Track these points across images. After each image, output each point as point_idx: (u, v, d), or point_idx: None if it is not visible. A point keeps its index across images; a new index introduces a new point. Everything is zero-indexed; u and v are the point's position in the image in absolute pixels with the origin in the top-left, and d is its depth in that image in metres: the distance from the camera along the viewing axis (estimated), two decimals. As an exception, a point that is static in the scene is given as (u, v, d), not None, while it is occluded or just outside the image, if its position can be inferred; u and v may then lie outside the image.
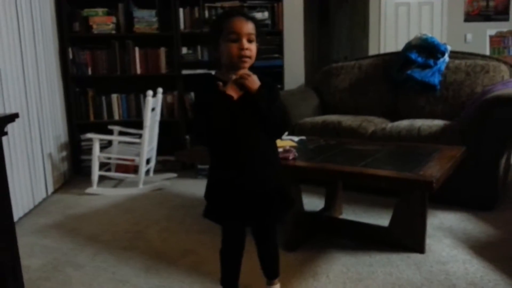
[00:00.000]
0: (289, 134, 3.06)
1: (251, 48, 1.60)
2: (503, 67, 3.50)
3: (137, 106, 4.55)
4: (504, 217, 2.81)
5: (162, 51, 4.47)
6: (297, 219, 2.45)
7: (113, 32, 4.36)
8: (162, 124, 4.30)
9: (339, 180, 2.87)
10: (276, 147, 1.79)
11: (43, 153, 3.63)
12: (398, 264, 2.23)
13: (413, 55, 3.79)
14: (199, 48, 4.53)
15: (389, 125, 3.33)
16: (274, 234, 1.84)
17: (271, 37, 4.44)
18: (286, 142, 2.78)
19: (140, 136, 3.89)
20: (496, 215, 2.85)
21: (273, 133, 1.72)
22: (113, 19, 4.34)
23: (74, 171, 4.43)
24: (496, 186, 2.92)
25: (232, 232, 1.76)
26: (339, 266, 2.23)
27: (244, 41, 1.58)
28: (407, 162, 2.21)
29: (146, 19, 4.35)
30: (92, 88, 4.51)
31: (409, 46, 3.92)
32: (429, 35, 3.92)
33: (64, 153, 4.18)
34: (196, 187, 3.84)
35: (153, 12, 4.36)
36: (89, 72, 4.42)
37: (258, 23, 1.66)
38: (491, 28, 5.87)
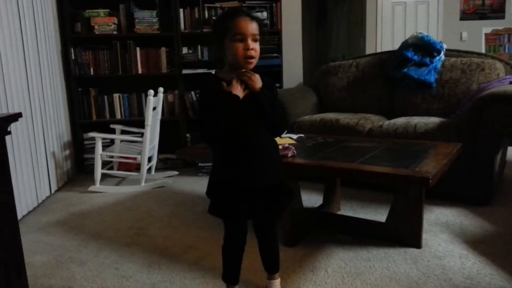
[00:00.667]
0: (288, 132, 3.09)
1: (256, 48, 1.62)
2: (499, 65, 3.53)
3: (138, 105, 4.59)
4: (500, 212, 2.85)
5: (163, 51, 4.50)
6: (296, 215, 2.48)
7: (115, 32, 4.40)
8: (163, 123, 4.35)
9: (337, 177, 2.90)
10: (276, 144, 1.82)
11: (46, 152, 3.68)
12: (395, 259, 2.26)
13: (410, 54, 3.83)
14: (199, 48, 4.57)
15: (386, 123, 3.37)
16: (275, 230, 1.88)
17: (269, 36, 4.47)
18: (285, 139, 2.82)
19: (141, 134, 3.92)
20: (491, 211, 2.88)
21: (275, 131, 1.76)
22: (115, 19, 4.38)
23: (77, 169, 4.47)
24: (492, 181, 2.95)
25: (235, 228, 1.78)
26: (337, 261, 2.26)
27: (250, 41, 1.59)
28: (404, 159, 2.22)
29: (147, 20, 4.39)
30: (94, 88, 4.56)
31: (406, 45, 3.95)
32: (425, 33, 3.94)
33: (67, 152, 4.22)
34: (197, 185, 3.88)
35: (154, 12, 4.40)
36: (91, 72, 4.46)
37: (261, 23, 1.67)
38: (487, 26, 5.90)
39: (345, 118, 3.59)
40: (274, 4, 4.53)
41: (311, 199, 3.24)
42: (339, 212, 3.00)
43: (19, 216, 2.96)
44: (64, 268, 2.31)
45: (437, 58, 3.72)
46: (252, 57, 1.61)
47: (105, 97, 4.53)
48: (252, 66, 1.64)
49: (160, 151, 4.39)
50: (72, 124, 4.45)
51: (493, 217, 2.77)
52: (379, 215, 2.88)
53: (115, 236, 2.74)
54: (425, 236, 2.49)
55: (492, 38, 5.90)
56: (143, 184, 3.85)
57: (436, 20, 5.79)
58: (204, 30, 4.46)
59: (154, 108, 3.90)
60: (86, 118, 4.52)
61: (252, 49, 1.60)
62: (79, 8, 4.35)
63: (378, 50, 5.61)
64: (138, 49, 4.47)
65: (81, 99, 4.49)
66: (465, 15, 5.90)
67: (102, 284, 2.12)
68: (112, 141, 4.35)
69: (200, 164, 4.23)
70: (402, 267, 2.17)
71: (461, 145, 2.53)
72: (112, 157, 4.03)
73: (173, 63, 4.51)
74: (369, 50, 5.79)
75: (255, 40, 1.62)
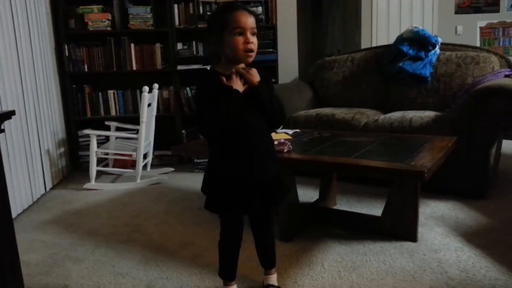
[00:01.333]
0: (283, 127, 3.09)
1: (255, 42, 1.62)
2: (493, 58, 3.54)
3: (133, 101, 4.57)
4: (495, 205, 2.86)
5: (158, 47, 4.49)
6: (292, 210, 2.49)
7: (109, 28, 4.38)
8: (159, 119, 4.34)
9: (333, 172, 2.91)
10: (272, 139, 1.82)
11: (41, 149, 3.66)
12: (391, 252, 2.27)
13: (405, 48, 3.83)
14: (194, 43, 4.56)
15: (382, 117, 3.37)
16: (271, 225, 1.88)
17: (264, 32, 4.46)
18: (281, 135, 2.82)
19: (137, 131, 3.92)
20: (487, 204, 2.89)
21: (273, 124, 1.77)
22: (108, 15, 4.36)
23: (72, 166, 4.46)
24: (487, 175, 2.97)
25: (232, 223, 1.78)
26: (333, 255, 2.27)
27: (249, 34, 1.59)
28: (399, 153, 2.23)
29: (141, 16, 4.37)
30: (89, 84, 4.54)
31: (401, 39, 3.96)
32: (420, 27, 3.95)
33: (62, 149, 4.20)
34: (193, 181, 3.88)
35: (148, 8, 4.38)
36: (85, 68, 4.44)
37: (258, 17, 1.68)
38: (482, 20, 5.91)
39: (340, 112, 3.59)
40: (269, -1, 4.52)
41: (307, 194, 3.24)
42: (335, 207, 3.00)
43: (13, 215, 2.95)
44: (60, 266, 2.31)
45: (432, 52, 3.73)
46: (251, 51, 1.61)
47: (100, 93, 4.52)
48: (251, 59, 1.64)
49: (156, 147, 4.39)
50: (67, 121, 4.44)
51: (488, 210, 2.78)
52: (375, 209, 2.89)
53: (111, 233, 2.74)
54: (420, 229, 2.50)
55: (487, 32, 5.91)
56: (138, 181, 3.84)
57: (431, 14, 5.79)
58: (199, 26, 4.44)
59: (149, 105, 3.89)
60: (81, 115, 4.50)
61: (252, 42, 1.59)
62: (72, 4, 4.34)
63: (374, 45, 5.59)
64: (132, 45, 4.46)
65: (75, 96, 4.47)
66: (460, 9, 5.91)
67: (99, 281, 2.12)
68: (107, 138, 4.34)
69: (196, 160, 4.23)
70: (398, 260, 2.18)
71: (456, 139, 2.54)
72: (107, 154, 4.02)
73: (168, 59, 4.50)
74: (365, 44, 5.78)
75: (253, 34, 1.61)
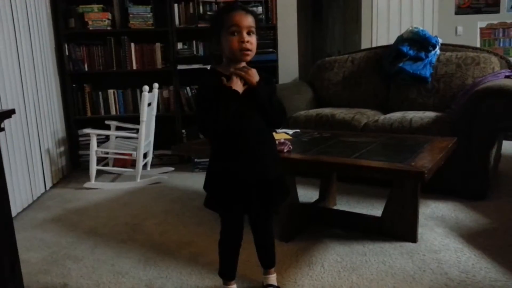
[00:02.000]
0: (283, 127, 3.09)
1: (252, 41, 1.63)
2: (494, 59, 3.54)
3: (133, 101, 4.57)
4: (495, 206, 2.86)
5: (158, 46, 4.49)
6: (292, 210, 2.48)
7: (109, 28, 4.38)
8: (159, 119, 4.34)
9: (333, 172, 2.91)
10: (274, 138, 1.83)
11: (41, 148, 3.66)
12: (391, 253, 2.27)
13: (405, 48, 3.83)
14: (194, 43, 4.56)
15: (382, 117, 3.37)
16: (271, 224, 1.88)
17: (265, 31, 4.46)
18: (281, 135, 2.82)
19: (137, 131, 3.92)
20: (487, 204, 2.89)
21: (273, 124, 1.77)
22: (109, 15, 4.36)
23: (72, 166, 4.46)
24: (487, 175, 2.96)
25: (232, 222, 1.79)
26: (333, 255, 2.27)
27: (244, 34, 1.60)
28: (399, 153, 2.22)
29: (141, 15, 4.37)
30: (89, 84, 4.54)
31: (401, 39, 3.96)
32: (421, 28, 3.94)
33: (62, 148, 4.20)
34: (193, 181, 3.88)
35: (148, 8, 4.38)
36: (86, 68, 4.44)
37: (257, 17, 1.68)
38: (482, 21, 5.91)
39: (340, 113, 3.59)
40: (269, -1, 4.52)
41: (307, 194, 3.24)
42: (335, 207, 3.00)
43: (13, 213, 2.95)
44: (60, 265, 2.31)
45: (433, 52, 3.73)
46: (248, 50, 1.62)
47: (100, 93, 4.52)
48: (248, 58, 1.65)
49: (156, 147, 4.38)
50: (67, 120, 4.43)
51: (488, 211, 2.78)
52: (375, 209, 2.89)
53: (110, 233, 2.74)
54: (420, 230, 2.50)
55: (487, 33, 5.91)
56: (138, 180, 3.84)
57: (431, 14, 5.79)
58: (199, 25, 4.44)
59: (149, 104, 3.89)
60: (81, 114, 4.50)
61: (247, 41, 1.61)
62: (72, 3, 4.33)
63: (374, 45, 5.59)
64: (132, 44, 4.46)
65: (75, 95, 4.47)
66: (460, 10, 5.91)
67: (98, 280, 2.12)
68: (107, 137, 4.34)
69: (196, 160, 4.23)
70: (398, 261, 2.18)
71: (456, 140, 2.54)
72: (107, 153, 4.02)
73: (168, 58, 4.49)
74: (365, 45, 5.78)
75: (250, 33, 1.62)
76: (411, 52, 3.79)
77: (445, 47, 3.84)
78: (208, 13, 4.44)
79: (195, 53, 4.55)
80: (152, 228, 2.79)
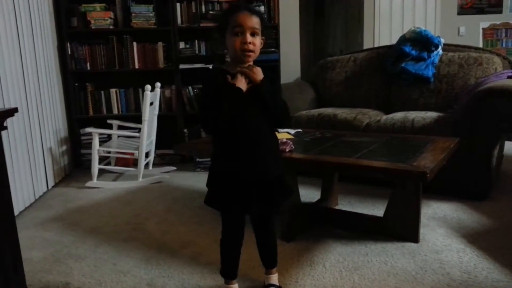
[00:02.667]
0: (285, 127, 3.09)
1: (255, 42, 1.63)
2: (496, 59, 3.53)
3: (135, 100, 4.58)
4: (497, 207, 2.85)
5: (160, 45, 4.49)
6: (294, 210, 2.48)
7: (111, 27, 4.38)
8: (161, 118, 4.34)
9: (335, 172, 2.91)
10: (276, 138, 1.83)
11: (43, 147, 3.66)
12: (393, 253, 2.27)
13: (407, 48, 3.83)
14: (196, 42, 4.56)
15: (384, 117, 3.37)
16: (273, 224, 1.88)
17: (267, 31, 4.45)
18: (283, 134, 2.82)
19: (139, 130, 3.92)
20: (489, 205, 2.89)
21: (276, 123, 1.77)
22: (111, 14, 4.36)
23: (74, 165, 4.46)
24: (489, 176, 2.96)
25: (233, 221, 1.79)
26: (335, 255, 2.27)
27: (248, 35, 1.61)
28: (402, 154, 2.23)
29: (143, 14, 4.37)
30: (91, 83, 4.54)
31: (403, 39, 3.95)
32: (423, 28, 3.94)
33: (64, 147, 4.21)
34: (195, 180, 3.88)
35: (151, 7, 4.38)
36: (88, 67, 4.45)
37: (263, 17, 1.69)
38: (484, 21, 5.90)
39: (342, 113, 3.59)
40: (271, -1, 4.51)
41: (309, 194, 3.24)
42: (336, 207, 3.00)
43: (16, 212, 2.95)
44: (62, 264, 2.31)
45: (435, 52, 3.72)
46: (249, 51, 1.62)
47: (102, 92, 4.52)
48: (250, 59, 1.66)
49: (158, 146, 4.39)
50: (69, 119, 4.44)
51: (490, 212, 2.77)
52: (377, 209, 2.89)
53: (112, 232, 2.74)
54: (422, 230, 2.50)
55: (490, 33, 5.90)
56: (140, 179, 3.85)
57: (434, 14, 5.78)
58: (201, 25, 4.44)
59: (151, 103, 3.89)
60: (83, 113, 4.51)
61: (250, 43, 1.61)
62: (75, 2, 4.34)
63: (376, 45, 5.58)
64: (134, 43, 4.46)
65: (77, 94, 4.47)
66: (463, 10, 5.90)
67: (100, 279, 2.12)
68: (109, 137, 4.34)
69: (197, 159, 4.23)
70: (400, 261, 2.17)
71: (459, 140, 2.54)
72: (109, 152, 4.02)
73: (170, 58, 4.49)
74: (367, 44, 5.77)
75: (254, 34, 1.63)
76: (413, 52, 3.79)
77: (447, 47, 3.83)
78: (211, 12, 4.44)
79: (197, 52, 4.55)
80: (154, 227, 2.79)
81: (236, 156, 1.68)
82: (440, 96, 3.62)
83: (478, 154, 2.91)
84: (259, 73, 1.65)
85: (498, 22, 5.88)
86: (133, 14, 4.36)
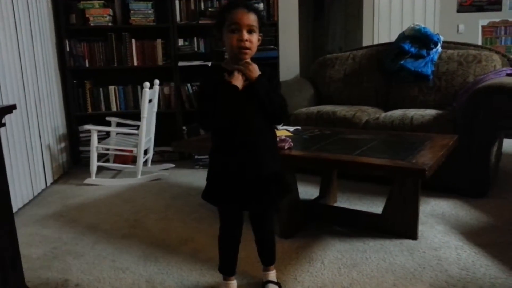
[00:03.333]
0: (284, 124, 3.09)
1: (251, 40, 1.63)
2: (495, 57, 3.53)
3: (134, 97, 4.57)
4: (496, 204, 2.86)
5: (159, 43, 4.48)
6: (292, 207, 2.49)
7: (110, 24, 4.37)
8: (159, 115, 4.33)
9: (334, 169, 2.91)
10: (275, 135, 1.83)
11: (41, 144, 3.66)
12: (391, 250, 2.27)
13: (406, 46, 3.83)
14: (195, 39, 4.55)
15: (383, 115, 3.37)
16: (271, 221, 1.88)
17: (266, 28, 4.45)
18: (282, 131, 2.82)
19: (137, 127, 3.91)
20: (487, 202, 2.89)
21: (273, 120, 1.76)
22: (110, 11, 4.35)
23: (73, 162, 4.46)
24: (488, 173, 2.96)
25: (230, 218, 1.79)
26: (333, 252, 2.27)
27: (244, 32, 1.60)
28: (400, 151, 2.23)
29: (142, 11, 4.36)
30: (90, 80, 4.54)
31: (403, 37, 3.95)
32: (422, 25, 3.94)
33: (62, 145, 4.21)
34: (194, 177, 3.88)
35: (149, 4, 4.37)
36: (86, 64, 4.44)
37: (261, 14, 1.68)
38: (484, 19, 5.91)
39: (341, 110, 3.59)
40: (271, -4, 4.51)
41: (308, 191, 3.25)
42: (335, 204, 3.01)
43: (14, 209, 2.95)
44: (61, 261, 2.31)
45: (434, 50, 3.72)
46: (246, 48, 1.62)
47: (101, 89, 4.51)
48: (247, 57, 1.65)
49: (156, 143, 4.38)
50: (68, 116, 4.43)
51: (488, 209, 2.78)
52: (376, 207, 2.89)
53: (111, 229, 2.74)
54: (421, 227, 2.50)
55: (489, 31, 5.90)
56: (139, 176, 3.84)
57: (433, 12, 5.78)
58: (200, 22, 4.44)
59: (150, 101, 3.89)
60: (82, 110, 4.50)
61: (246, 40, 1.61)
62: (73, -1, 4.33)
63: (375, 42, 5.58)
64: (133, 41, 4.45)
65: (76, 91, 4.47)
66: (462, 7, 5.90)
67: (99, 276, 2.12)
68: (108, 134, 4.34)
69: (196, 156, 4.23)
70: (398, 258, 2.18)
71: (457, 137, 2.54)
72: (108, 149, 4.02)
73: (169, 55, 4.49)
74: (366, 42, 5.78)
75: (251, 31, 1.62)
76: (412, 49, 3.79)
77: (446, 44, 3.83)
78: (209, 9, 4.43)
79: (196, 49, 4.54)
80: (153, 224, 2.79)
81: (233, 152, 1.68)
82: (439, 94, 3.63)
83: (477, 151, 2.91)
84: (255, 70, 1.65)
85: (497, 20, 5.89)
86: (132, 11, 4.35)
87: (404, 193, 2.39)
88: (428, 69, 3.65)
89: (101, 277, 2.11)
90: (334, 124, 3.46)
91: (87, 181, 3.81)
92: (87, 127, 3.90)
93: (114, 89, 4.54)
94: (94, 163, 3.82)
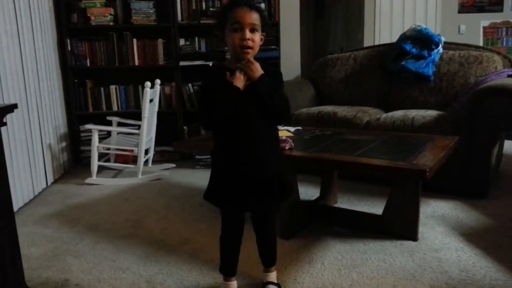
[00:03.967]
0: (285, 125, 3.09)
1: (254, 39, 1.61)
2: (496, 58, 3.53)
3: (135, 97, 4.57)
4: (496, 205, 2.86)
5: (160, 42, 4.48)
6: (293, 207, 2.49)
7: (111, 23, 4.37)
8: (160, 115, 4.33)
9: (335, 170, 2.91)
10: (277, 135, 1.82)
11: (42, 143, 3.66)
12: (392, 251, 2.27)
13: (408, 46, 3.82)
14: (196, 39, 4.55)
15: (384, 116, 3.37)
16: (273, 222, 1.88)
17: (267, 27, 4.44)
18: (283, 132, 2.82)
19: (138, 127, 3.91)
20: (488, 204, 2.89)
21: (275, 120, 1.75)
22: (111, 10, 4.35)
23: (73, 161, 4.46)
24: (489, 174, 2.96)
25: (232, 218, 1.79)
26: (334, 253, 2.27)
27: (247, 31, 1.59)
28: (401, 152, 2.23)
29: (143, 11, 4.36)
30: (91, 79, 4.54)
31: (404, 37, 3.95)
32: (424, 26, 3.94)
33: (63, 144, 4.21)
34: (195, 177, 3.88)
35: (151, 3, 4.37)
36: (88, 63, 4.44)
37: (263, 13, 1.67)
38: (485, 19, 5.90)
39: (342, 111, 3.59)
40: (272, -4, 4.51)
41: (308, 192, 3.24)
42: (336, 205, 3.01)
43: (15, 208, 2.95)
44: (61, 260, 2.31)
45: (435, 51, 3.72)
46: (248, 47, 1.61)
47: (102, 88, 4.51)
48: (249, 56, 1.64)
49: (157, 143, 4.38)
50: (69, 115, 4.44)
51: (489, 210, 2.78)
52: (376, 208, 2.89)
53: (111, 228, 2.74)
54: (421, 229, 2.50)
55: (490, 31, 5.90)
56: (140, 176, 3.84)
57: (435, 12, 5.78)
58: (202, 22, 4.43)
59: (151, 100, 3.89)
60: (83, 110, 4.50)
61: (248, 39, 1.59)
62: (75, -2, 4.33)
63: (376, 43, 5.57)
64: (135, 40, 4.45)
65: (77, 91, 4.47)
66: (464, 8, 5.90)
67: (99, 276, 2.12)
68: (108, 133, 4.34)
69: (197, 156, 4.22)
70: (398, 259, 2.18)
71: (458, 138, 2.54)
72: (108, 149, 4.02)
73: (170, 54, 4.49)
74: (367, 42, 5.77)
75: (254, 30, 1.61)
76: (413, 50, 3.79)
77: (448, 45, 3.83)
78: (211, 9, 4.43)
79: (197, 49, 4.54)
80: (153, 224, 2.79)
81: (234, 152, 1.67)
82: (440, 95, 3.62)
83: (478, 152, 2.91)
84: (257, 70, 1.64)
85: (498, 21, 5.88)
86: (133, 11, 4.35)
87: (404, 194, 2.39)
88: (429, 70, 3.64)
89: (101, 277, 2.11)
90: (335, 125, 3.46)
91: (87, 180, 3.81)
92: (88, 126, 3.90)
93: (115, 88, 4.53)
94: (95, 163, 3.83)
